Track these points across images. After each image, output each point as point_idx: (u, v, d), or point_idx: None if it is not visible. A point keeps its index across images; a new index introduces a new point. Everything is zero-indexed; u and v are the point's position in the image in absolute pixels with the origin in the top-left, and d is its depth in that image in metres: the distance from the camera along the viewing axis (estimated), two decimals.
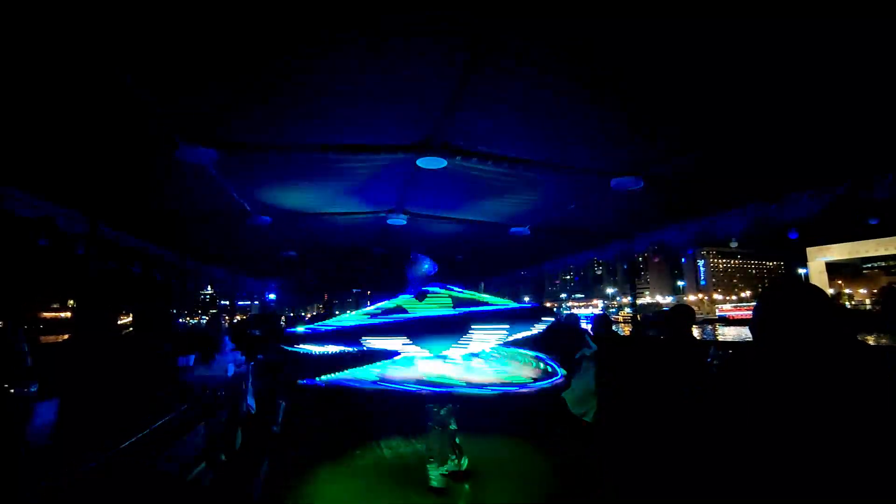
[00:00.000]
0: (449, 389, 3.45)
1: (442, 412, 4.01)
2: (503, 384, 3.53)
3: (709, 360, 4.16)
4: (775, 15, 1.98)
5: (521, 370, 3.84)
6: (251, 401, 4.89)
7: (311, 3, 1.96)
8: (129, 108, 2.79)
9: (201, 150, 3.34)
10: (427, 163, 3.71)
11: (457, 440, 4.10)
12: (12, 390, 2.83)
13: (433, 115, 3.06)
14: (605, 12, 2.01)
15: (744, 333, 34.69)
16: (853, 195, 3.77)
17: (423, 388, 3.45)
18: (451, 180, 4.27)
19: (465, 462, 4.12)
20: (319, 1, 1.95)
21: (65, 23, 2.03)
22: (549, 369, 3.82)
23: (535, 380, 3.63)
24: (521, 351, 4.13)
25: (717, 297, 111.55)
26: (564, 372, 3.78)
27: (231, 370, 4.47)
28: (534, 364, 3.95)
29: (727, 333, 42.42)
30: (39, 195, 4.24)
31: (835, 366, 1.36)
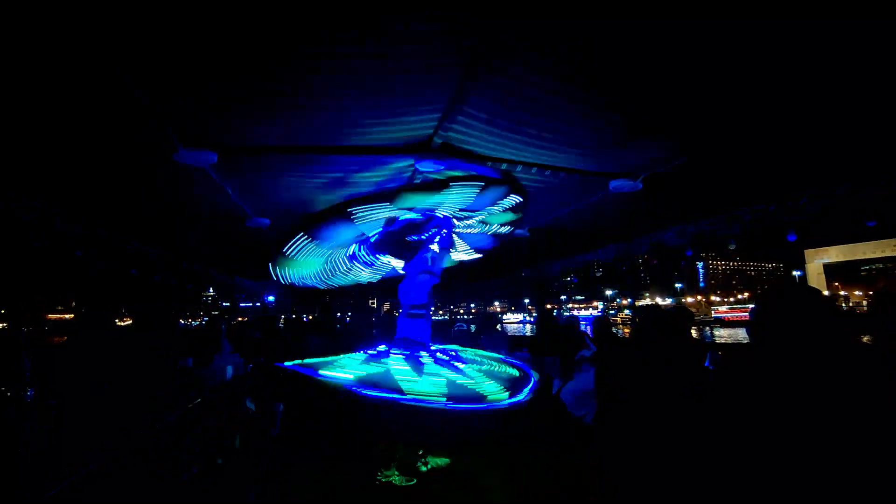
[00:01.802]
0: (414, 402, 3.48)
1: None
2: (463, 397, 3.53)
3: (706, 364, 4.15)
4: (774, 16, 1.98)
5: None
6: (249, 403, 4.87)
7: (311, 2, 1.97)
8: (129, 109, 2.78)
9: (200, 152, 3.34)
10: (426, 165, 3.71)
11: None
12: (9, 394, 2.82)
13: (432, 117, 3.06)
14: (606, 12, 2.02)
15: (739, 335, 34.74)
16: (851, 197, 3.78)
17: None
18: None
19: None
20: (319, 1, 1.96)
21: (66, 24, 2.03)
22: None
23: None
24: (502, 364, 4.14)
25: (715, 298, 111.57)
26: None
27: (230, 372, 4.45)
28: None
29: (723, 335, 42.51)
30: (38, 197, 4.23)
31: (833, 367, 1.36)
